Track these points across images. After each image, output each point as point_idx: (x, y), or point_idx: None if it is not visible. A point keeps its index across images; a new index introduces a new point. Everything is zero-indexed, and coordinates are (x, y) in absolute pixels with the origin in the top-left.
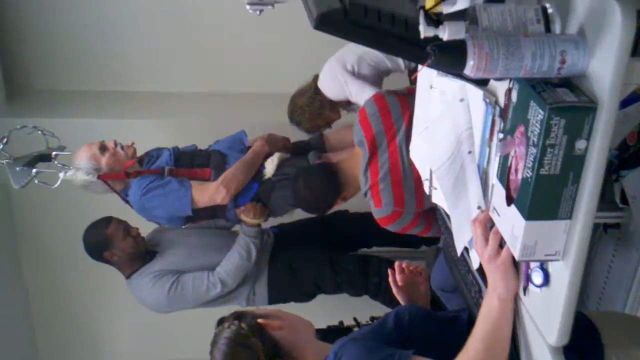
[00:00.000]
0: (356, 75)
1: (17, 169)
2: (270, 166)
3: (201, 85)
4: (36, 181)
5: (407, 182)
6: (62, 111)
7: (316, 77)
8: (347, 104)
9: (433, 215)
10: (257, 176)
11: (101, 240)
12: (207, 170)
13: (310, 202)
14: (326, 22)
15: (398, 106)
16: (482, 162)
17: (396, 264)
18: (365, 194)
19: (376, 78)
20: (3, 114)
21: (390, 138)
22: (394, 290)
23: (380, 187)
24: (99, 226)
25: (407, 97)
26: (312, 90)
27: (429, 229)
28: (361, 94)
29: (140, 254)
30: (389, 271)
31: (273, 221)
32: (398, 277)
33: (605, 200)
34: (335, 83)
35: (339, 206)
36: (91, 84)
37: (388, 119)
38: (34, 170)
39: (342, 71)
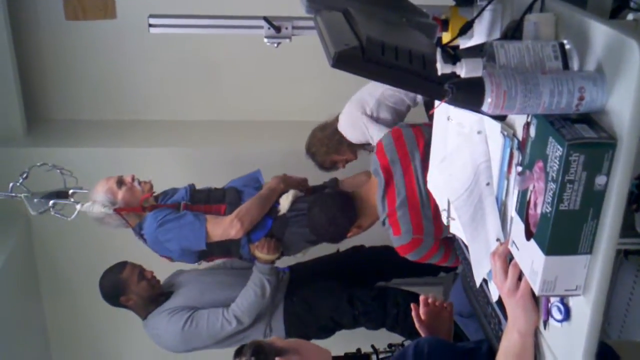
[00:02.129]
0: (375, 119)
1: (35, 200)
2: (285, 202)
3: (217, 114)
4: (52, 212)
5: (424, 208)
6: (80, 140)
7: (339, 115)
8: (367, 145)
9: (451, 244)
10: (272, 213)
11: (117, 285)
12: (222, 207)
13: (324, 226)
14: (344, 61)
15: (412, 136)
16: (501, 194)
17: (421, 297)
18: (383, 223)
19: (396, 118)
20: (23, 144)
21: (406, 166)
22: (417, 324)
23: (398, 214)
24: (114, 271)
25: (422, 127)
26: (333, 126)
27: (446, 257)
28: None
29: (156, 297)
30: (412, 305)
31: (288, 261)
32: (422, 310)
33: (626, 226)
34: (356, 128)
35: (355, 236)
36: (108, 113)
37: (403, 147)
38: (51, 202)
39: (362, 116)
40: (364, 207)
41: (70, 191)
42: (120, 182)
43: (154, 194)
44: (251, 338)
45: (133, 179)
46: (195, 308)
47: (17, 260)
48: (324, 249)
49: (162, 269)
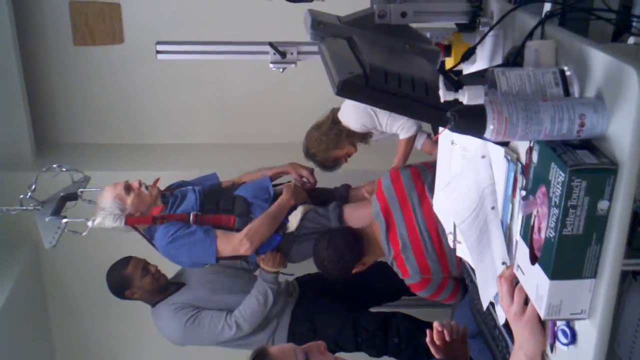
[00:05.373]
0: None
1: (47, 219)
2: (294, 220)
3: (224, 137)
4: (66, 231)
5: (427, 250)
6: (89, 164)
7: (334, 110)
8: (364, 137)
9: (460, 283)
10: (280, 229)
11: (121, 280)
12: (232, 218)
13: (331, 262)
14: (348, 89)
15: (410, 177)
16: (506, 218)
17: (435, 323)
18: (392, 264)
19: None
20: (32, 168)
21: (404, 208)
22: (433, 350)
23: (403, 257)
24: (118, 267)
25: (419, 169)
26: (329, 121)
27: (454, 296)
28: (393, 122)
29: (162, 288)
30: (427, 331)
31: (299, 271)
32: (435, 336)
33: (634, 247)
34: (364, 114)
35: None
36: (116, 137)
37: (400, 189)
38: (63, 221)
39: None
40: (371, 246)
41: (79, 191)
42: (127, 188)
43: (162, 192)
44: (254, 347)
45: (140, 184)
46: (201, 308)
47: (25, 282)
48: None
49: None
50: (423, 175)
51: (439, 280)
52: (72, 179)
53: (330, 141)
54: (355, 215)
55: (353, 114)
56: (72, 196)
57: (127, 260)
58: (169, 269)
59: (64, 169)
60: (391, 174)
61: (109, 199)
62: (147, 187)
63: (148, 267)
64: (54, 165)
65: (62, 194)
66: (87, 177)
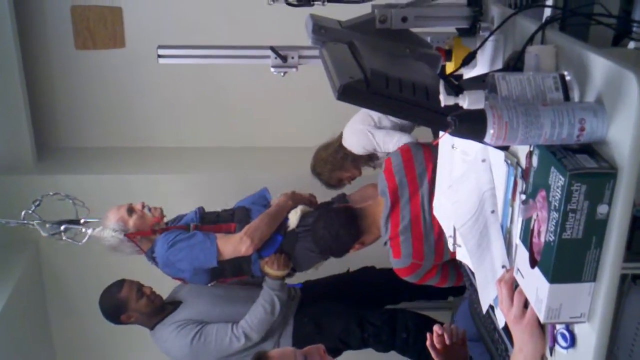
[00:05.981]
0: (378, 126)
1: (47, 225)
2: (293, 217)
3: (224, 140)
4: (64, 237)
5: (427, 235)
6: (90, 167)
7: (342, 134)
8: (370, 160)
9: (450, 266)
10: (281, 229)
11: (116, 304)
12: (232, 225)
13: (327, 241)
14: (349, 94)
15: (423, 159)
16: (505, 221)
17: (435, 328)
18: (385, 243)
19: (397, 129)
20: (33, 171)
21: (413, 191)
22: (433, 354)
23: (401, 239)
24: (112, 291)
25: (432, 150)
26: (336, 144)
27: (444, 279)
28: (389, 139)
29: (159, 309)
30: (428, 335)
31: (300, 277)
32: (435, 340)
33: (633, 250)
34: (362, 138)
35: (358, 251)
36: (117, 141)
37: (411, 171)
38: (62, 226)
39: (367, 126)
40: (369, 225)
41: (82, 220)
42: (130, 210)
43: (164, 220)
44: None
45: (143, 206)
46: (204, 322)
47: (25, 285)
48: (335, 268)
49: (166, 281)
50: (435, 156)
51: (428, 268)
52: (77, 214)
53: (336, 163)
54: (358, 194)
55: (352, 138)
56: (75, 222)
57: (120, 283)
58: (163, 290)
59: (70, 200)
60: (403, 154)
61: (112, 221)
62: (150, 209)
63: (143, 288)
64: (62, 194)
65: (63, 220)
66: (92, 217)
